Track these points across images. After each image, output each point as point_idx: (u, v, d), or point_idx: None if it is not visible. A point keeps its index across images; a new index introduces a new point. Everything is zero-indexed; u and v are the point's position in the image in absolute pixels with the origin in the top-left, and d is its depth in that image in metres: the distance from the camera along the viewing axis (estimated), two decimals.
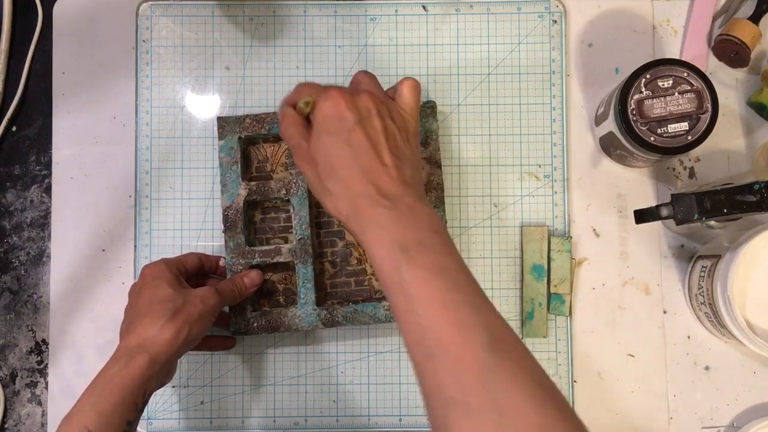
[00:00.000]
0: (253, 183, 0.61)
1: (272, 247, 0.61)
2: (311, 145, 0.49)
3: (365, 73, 0.52)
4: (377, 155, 0.47)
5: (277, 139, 0.63)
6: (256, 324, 0.60)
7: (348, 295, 0.63)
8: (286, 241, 0.63)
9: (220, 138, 0.61)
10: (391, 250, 0.43)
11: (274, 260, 0.61)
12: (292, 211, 0.61)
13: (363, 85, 0.51)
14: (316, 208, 0.63)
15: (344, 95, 0.48)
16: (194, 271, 0.60)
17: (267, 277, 0.63)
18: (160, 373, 0.52)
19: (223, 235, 0.61)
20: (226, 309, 0.61)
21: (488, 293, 0.64)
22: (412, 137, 0.50)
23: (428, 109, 0.61)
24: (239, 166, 0.61)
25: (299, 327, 0.60)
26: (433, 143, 0.61)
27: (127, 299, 0.57)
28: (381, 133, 0.48)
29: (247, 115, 0.61)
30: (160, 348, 0.51)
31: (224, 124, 0.61)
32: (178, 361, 0.56)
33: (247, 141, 0.63)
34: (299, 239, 0.60)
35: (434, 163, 0.61)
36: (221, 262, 0.62)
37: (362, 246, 0.48)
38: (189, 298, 0.54)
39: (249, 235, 0.62)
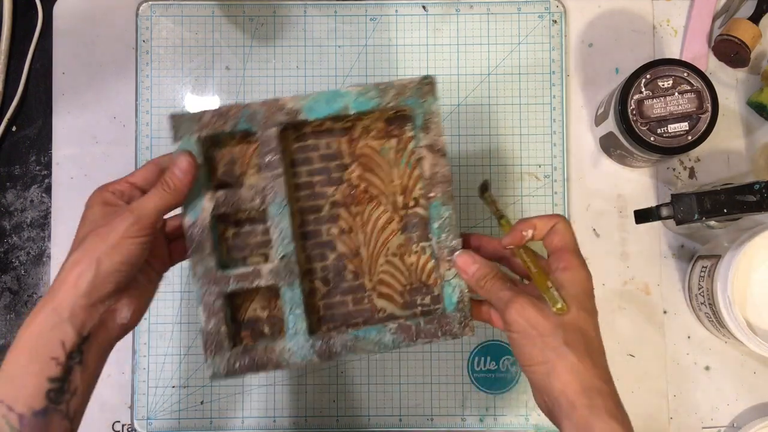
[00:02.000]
0: (220, 192, 0.50)
1: (250, 269, 0.50)
2: (571, 319, 0.46)
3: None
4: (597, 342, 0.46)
5: (245, 135, 0.51)
6: (237, 364, 0.49)
7: (345, 317, 0.53)
8: (267, 258, 0.52)
9: (174, 140, 0.49)
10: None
11: (254, 285, 0.50)
12: (270, 222, 0.50)
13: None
14: (299, 216, 0.53)
15: (591, 275, 0.47)
16: (154, 182, 0.48)
17: (246, 306, 0.52)
18: (79, 318, 0.44)
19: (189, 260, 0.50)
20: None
21: None
22: None
23: (426, 86, 0.51)
24: (202, 172, 0.49)
25: (290, 363, 0.50)
26: (435, 127, 0.51)
27: None
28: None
29: (205, 111, 0.49)
30: (62, 295, 0.44)
31: (178, 123, 0.50)
32: (151, 306, 0.51)
33: (210, 141, 0.51)
34: (281, 257, 0.50)
35: (437, 152, 0.51)
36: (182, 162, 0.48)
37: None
38: (98, 230, 0.45)
39: (221, 256, 0.51)
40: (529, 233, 0.48)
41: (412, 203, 0.53)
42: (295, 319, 0.50)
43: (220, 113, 0.50)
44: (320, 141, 0.53)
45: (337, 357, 0.50)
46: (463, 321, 0.51)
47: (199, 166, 0.49)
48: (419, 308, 0.53)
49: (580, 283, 0.46)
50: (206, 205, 0.50)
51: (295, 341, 0.50)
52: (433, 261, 0.53)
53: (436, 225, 0.51)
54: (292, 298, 0.50)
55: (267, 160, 0.50)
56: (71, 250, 0.46)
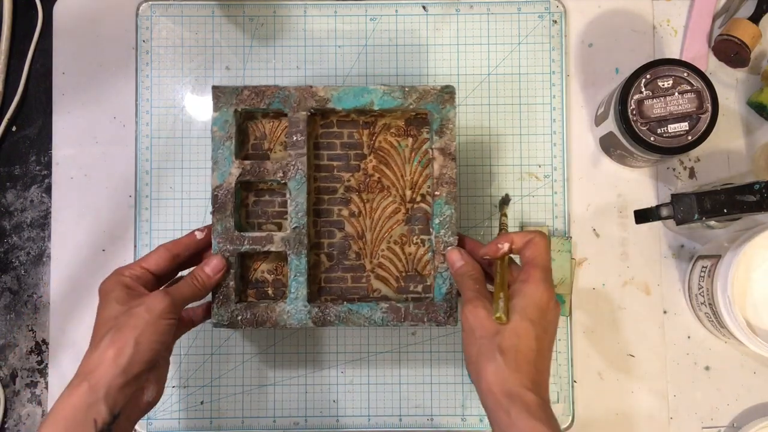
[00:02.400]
0: (247, 162, 0.56)
1: (264, 234, 0.56)
2: (509, 326, 0.48)
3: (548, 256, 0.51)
4: (537, 366, 0.47)
5: (277, 115, 0.58)
6: (240, 317, 0.55)
7: (343, 291, 0.59)
8: (280, 228, 0.58)
9: (214, 110, 0.56)
10: None
11: (265, 249, 0.55)
12: (288, 195, 0.56)
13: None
14: (315, 195, 0.59)
15: (553, 294, 0.49)
16: (165, 267, 0.54)
17: (255, 267, 0.58)
18: (112, 397, 0.47)
19: (211, 217, 0.56)
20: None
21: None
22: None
23: (446, 95, 0.56)
24: (233, 142, 0.56)
25: (287, 324, 0.55)
26: (449, 132, 0.56)
27: None
28: (548, 347, 0.48)
29: (246, 87, 0.56)
30: (100, 373, 0.47)
31: (220, 94, 0.56)
32: (172, 364, 0.55)
33: (245, 115, 0.57)
34: (294, 228, 0.56)
35: (448, 155, 0.56)
36: (198, 235, 0.56)
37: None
38: (133, 310, 0.49)
39: (239, 219, 0.57)
40: (505, 247, 0.51)
41: (418, 198, 0.59)
42: (297, 286, 0.56)
43: (258, 91, 0.56)
44: (344, 130, 0.59)
45: (330, 324, 0.55)
46: (449, 311, 0.56)
47: (228, 268, 0.55)
48: (411, 294, 0.58)
49: (531, 296, 0.48)
50: (234, 171, 0.56)
51: (294, 305, 0.55)
52: (430, 253, 0.58)
53: (437, 221, 0.56)
54: (297, 267, 0.56)
55: (294, 139, 0.56)
56: (100, 330, 0.49)
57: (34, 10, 0.67)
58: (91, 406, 0.46)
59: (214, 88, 0.56)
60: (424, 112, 0.57)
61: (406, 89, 0.56)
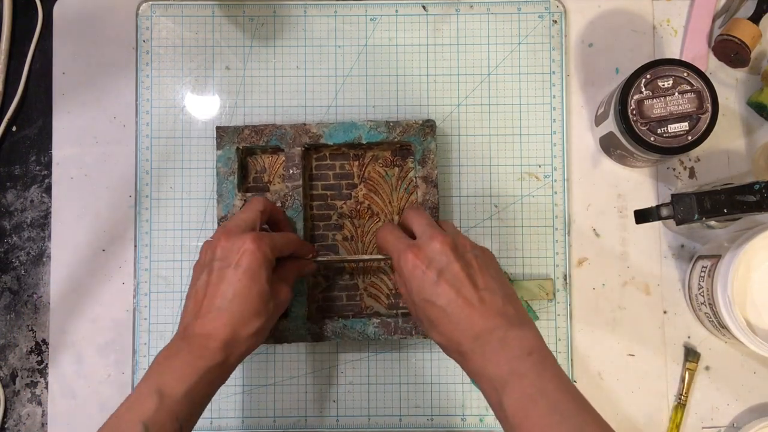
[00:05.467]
0: (249, 194, 0.62)
1: None
2: (411, 303, 0.52)
3: (450, 223, 0.56)
4: (464, 299, 0.48)
5: (275, 150, 0.63)
6: None
7: (339, 309, 0.63)
8: None
9: (218, 148, 0.61)
10: (491, 389, 0.46)
11: None
12: None
13: (432, 226, 0.53)
14: (311, 221, 0.63)
15: (417, 251, 0.50)
16: (285, 257, 0.57)
17: None
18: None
19: None
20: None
21: None
22: (490, 263, 0.52)
23: (427, 128, 0.61)
24: (236, 176, 0.61)
25: (287, 340, 0.60)
26: (431, 162, 0.61)
27: (208, 254, 0.53)
28: (462, 275, 0.49)
29: (246, 126, 0.61)
30: (241, 351, 0.51)
31: (223, 134, 0.61)
32: None
33: (245, 151, 0.63)
34: None
35: (431, 183, 0.61)
36: (309, 256, 0.60)
37: (480, 390, 0.49)
38: (278, 300, 0.53)
39: None
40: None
41: None
42: (299, 306, 0.60)
43: (257, 130, 0.61)
44: (336, 162, 0.64)
45: (327, 339, 0.60)
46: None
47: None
48: (400, 309, 0.63)
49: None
50: (237, 203, 0.61)
51: (295, 323, 0.60)
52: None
53: None
54: (298, 288, 0.60)
55: (290, 172, 0.61)
56: (240, 285, 0.51)
57: (34, 10, 0.67)
58: (217, 378, 0.51)
59: (218, 129, 0.61)
60: (408, 144, 0.62)
61: (391, 124, 0.61)
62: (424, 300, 0.49)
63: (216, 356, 0.49)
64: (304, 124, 0.61)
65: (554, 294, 0.64)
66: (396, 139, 0.61)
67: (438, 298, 0.49)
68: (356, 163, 0.64)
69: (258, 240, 0.52)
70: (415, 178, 0.61)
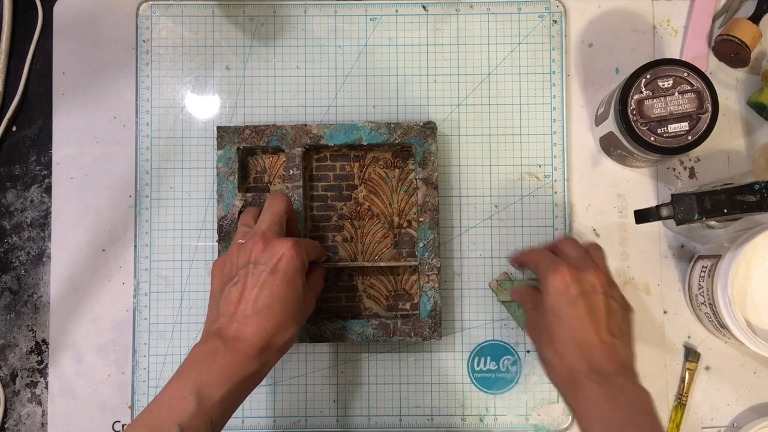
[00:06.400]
0: (249, 194, 0.61)
1: None
2: (539, 317, 0.53)
3: (597, 247, 0.57)
4: (595, 330, 0.50)
5: (276, 150, 0.63)
6: None
7: (338, 310, 0.63)
8: None
9: (218, 148, 0.61)
10: (605, 429, 0.46)
11: None
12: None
13: (591, 260, 0.54)
14: (311, 222, 0.63)
15: (571, 270, 0.51)
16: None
17: None
18: None
19: (216, 244, 0.60)
20: None
21: (488, 294, 0.64)
22: (630, 320, 0.53)
23: (428, 131, 0.61)
24: (236, 176, 0.61)
25: None
26: (431, 164, 0.61)
27: (243, 257, 0.52)
28: (603, 310, 0.51)
29: (246, 126, 0.61)
30: (274, 359, 0.51)
31: (223, 134, 0.61)
32: None
33: (246, 151, 0.63)
34: None
35: (431, 185, 0.61)
36: (323, 259, 0.61)
37: (577, 419, 0.50)
38: (308, 303, 0.54)
39: None
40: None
41: (405, 224, 0.64)
42: None
43: (258, 130, 0.61)
44: (336, 163, 0.64)
45: (326, 341, 0.60)
46: (433, 326, 0.60)
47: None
48: (400, 311, 0.63)
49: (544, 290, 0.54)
50: (237, 203, 0.61)
51: None
52: (416, 274, 0.63)
53: (422, 245, 0.61)
54: None
55: (291, 173, 0.61)
56: (279, 290, 0.51)
57: (34, 10, 0.67)
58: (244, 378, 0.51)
59: (219, 129, 0.61)
60: (409, 146, 0.62)
61: (392, 125, 0.61)
62: (555, 315, 0.51)
63: (253, 364, 0.49)
64: (305, 125, 0.61)
65: None
66: (397, 141, 0.61)
67: (570, 317, 0.50)
68: (357, 164, 0.64)
69: (297, 246, 0.51)
70: (416, 179, 0.62)
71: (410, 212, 0.64)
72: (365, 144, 0.61)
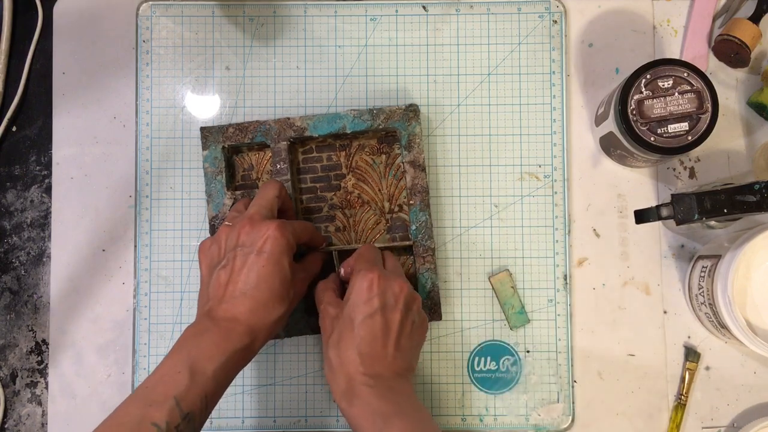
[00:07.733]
0: (238, 192, 0.62)
1: None
2: (339, 312, 0.53)
3: (390, 255, 0.59)
4: (383, 344, 0.51)
5: (261, 146, 0.63)
6: None
7: None
8: None
9: (203, 148, 0.61)
10: (373, 422, 0.48)
11: None
12: None
13: (400, 269, 0.56)
14: (302, 215, 0.63)
15: (380, 279, 0.52)
16: (308, 247, 0.59)
17: None
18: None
19: None
20: None
21: (488, 294, 0.64)
22: (423, 334, 0.55)
23: (411, 113, 0.61)
24: (224, 175, 0.61)
25: (290, 334, 0.61)
26: (417, 147, 0.61)
27: (230, 240, 0.54)
28: (396, 327, 0.52)
29: (230, 125, 0.61)
30: (265, 336, 0.52)
31: (207, 134, 0.61)
32: None
33: (232, 150, 0.63)
34: None
35: (418, 167, 0.61)
36: (323, 245, 0.61)
37: (349, 421, 0.51)
38: (299, 284, 0.55)
39: None
40: (342, 270, 0.58)
41: (396, 209, 0.64)
42: None
43: (241, 128, 0.61)
44: (322, 154, 0.64)
45: None
46: (433, 308, 0.61)
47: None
48: None
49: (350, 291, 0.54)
50: (227, 201, 0.61)
51: (294, 317, 0.61)
52: (410, 257, 0.63)
53: (414, 227, 0.61)
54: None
55: (278, 167, 0.61)
56: (265, 271, 0.52)
57: (34, 10, 0.67)
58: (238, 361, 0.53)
59: (202, 129, 0.62)
60: (393, 130, 0.62)
61: (374, 111, 0.61)
62: (350, 320, 0.52)
63: (243, 339, 0.50)
64: (288, 118, 0.61)
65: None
66: (380, 127, 0.61)
67: (364, 327, 0.51)
68: (343, 153, 0.64)
69: (282, 227, 0.53)
70: (403, 163, 0.62)
71: (400, 197, 0.64)
72: (349, 132, 0.61)
